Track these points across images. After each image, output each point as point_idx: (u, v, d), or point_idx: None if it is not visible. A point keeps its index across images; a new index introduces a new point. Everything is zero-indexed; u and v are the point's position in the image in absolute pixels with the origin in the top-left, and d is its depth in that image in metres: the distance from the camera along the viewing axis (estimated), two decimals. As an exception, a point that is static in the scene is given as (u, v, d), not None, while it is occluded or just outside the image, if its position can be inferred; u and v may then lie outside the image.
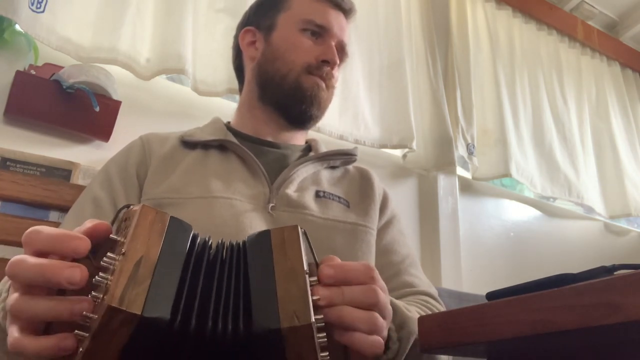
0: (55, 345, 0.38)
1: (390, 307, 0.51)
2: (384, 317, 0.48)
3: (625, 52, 2.65)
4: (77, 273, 0.39)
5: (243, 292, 0.44)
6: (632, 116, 2.51)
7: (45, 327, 0.40)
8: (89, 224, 0.43)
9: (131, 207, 0.45)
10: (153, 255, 0.40)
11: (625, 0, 2.56)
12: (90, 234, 0.42)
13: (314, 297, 0.42)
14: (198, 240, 0.46)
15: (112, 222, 0.46)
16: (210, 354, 0.44)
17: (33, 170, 1.13)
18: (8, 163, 1.11)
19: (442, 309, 0.79)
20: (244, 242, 0.48)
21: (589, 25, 2.52)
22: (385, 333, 0.49)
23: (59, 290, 0.40)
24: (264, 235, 0.46)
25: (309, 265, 0.45)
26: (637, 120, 2.55)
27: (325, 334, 0.42)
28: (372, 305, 0.47)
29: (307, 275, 0.43)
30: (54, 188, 0.98)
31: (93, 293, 0.39)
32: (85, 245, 0.41)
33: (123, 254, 0.39)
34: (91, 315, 0.38)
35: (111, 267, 0.40)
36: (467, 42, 2.05)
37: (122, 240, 0.42)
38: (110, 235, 0.43)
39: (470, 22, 2.10)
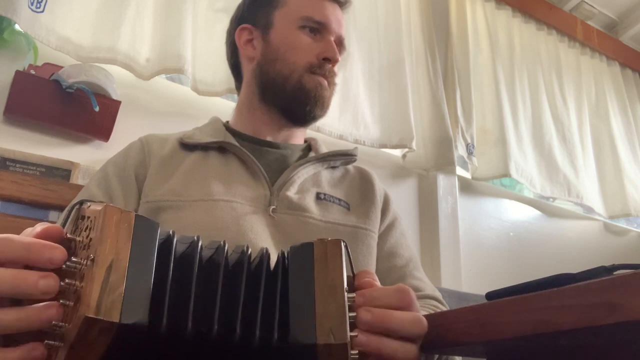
0: (23, 357, 0.37)
1: None
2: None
3: (625, 52, 2.65)
4: (52, 282, 0.37)
5: (270, 299, 0.44)
6: (631, 116, 2.51)
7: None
8: (39, 227, 0.41)
9: (88, 204, 0.43)
10: (123, 258, 0.38)
11: (625, 0, 2.56)
12: (43, 237, 0.40)
13: (351, 314, 0.42)
14: (176, 239, 0.44)
15: (65, 221, 0.44)
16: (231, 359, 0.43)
17: (33, 170, 1.13)
18: (8, 163, 1.11)
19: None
20: (286, 252, 0.47)
21: (588, 25, 2.52)
22: None
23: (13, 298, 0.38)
24: (306, 247, 0.45)
25: (347, 278, 0.44)
26: (637, 120, 2.55)
27: (357, 352, 0.41)
28: (419, 337, 0.46)
29: (346, 292, 0.42)
30: (54, 188, 0.98)
31: (61, 300, 0.38)
32: (61, 255, 0.39)
33: (92, 259, 0.37)
34: (61, 323, 0.37)
35: (76, 270, 0.38)
36: (467, 42, 2.05)
37: (81, 240, 0.40)
38: (68, 235, 0.41)
39: (470, 22, 2.10)
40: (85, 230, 0.41)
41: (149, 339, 0.39)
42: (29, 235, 0.41)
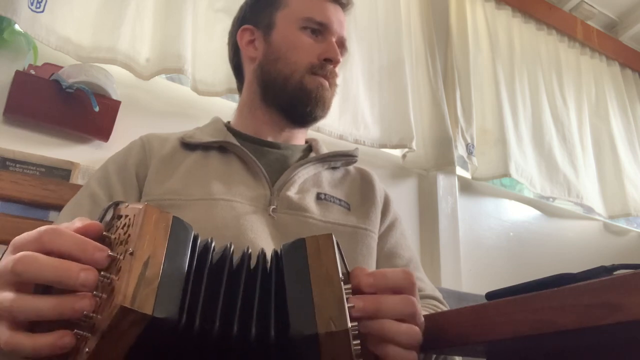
0: (53, 343, 0.38)
1: (422, 318, 0.50)
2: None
3: (625, 52, 2.65)
4: (91, 276, 0.39)
5: (266, 296, 0.45)
6: (631, 116, 2.51)
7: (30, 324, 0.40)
8: (79, 222, 0.43)
9: (125, 204, 0.45)
10: (159, 255, 0.40)
11: (625, 0, 2.56)
12: (83, 233, 0.42)
13: (349, 305, 0.43)
14: (199, 241, 0.46)
15: (101, 219, 0.45)
16: (234, 357, 0.44)
17: (33, 170, 1.13)
18: (8, 163, 1.11)
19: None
20: (279, 250, 0.48)
21: (588, 25, 2.52)
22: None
23: (45, 286, 0.40)
24: (299, 243, 0.46)
25: (343, 274, 0.45)
26: (637, 120, 2.55)
27: (359, 342, 0.42)
28: (410, 316, 0.47)
29: (342, 282, 0.43)
30: (54, 188, 0.98)
31: (94, 292, 0.39)
32: (105, 258, 0.40)
33: (131, 253, 0.39)
34: (92, 314, 0.38)
35: (111, 265, 0.39)
36: (467, 42, 2.05)
37: (117, 237, 0.42)
38: (104, 233, 0.43)
39: (470, 22, 2.10)
40: (122, 228, 0.42)
41: (170, 334, 0.40)
42: (71, 228, 0.42)
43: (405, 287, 0.47)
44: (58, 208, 1.02)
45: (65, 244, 0.40)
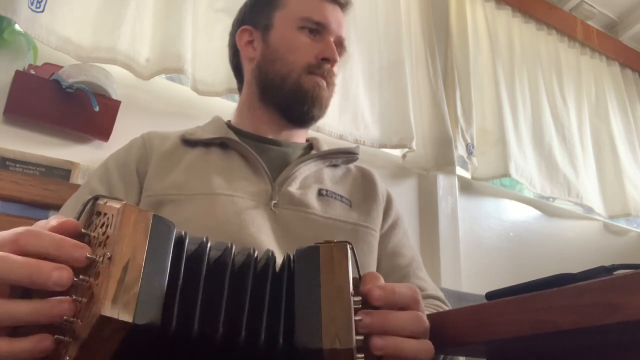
0: (31, 347, 0.37)
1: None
2: None
3: (625, 52, 2.65)
4: (65, 275, 0.37)
5: (276, 302, 0.44)
6: (631, 116, 2.51)
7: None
8: (54, 221, 0.41)
9: (104, 200, 0.43)
10: (139, 258, 0.38)
11: (625, 0, 2.56)
12: (59, 231, 0.40)
13: (356, 318, 0.42)
14: (189, 240, 0.44)
15: (79, 215, 0.44)
16: None
17: (32, 170, 1.13)
18: (8, 163, 1.11)
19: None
20: (291, 255, 0.47)
21: (588, 25, 2.52)
22: None
23: (25, 290, 0.39)
24: (312, 251, 0.45)
25: (353, 280, 0.44)
26: (637, 120, 2.55)
27: (363, 355, 0.41)
28: (422, 334, 0.46)
29: (352, 297, 0.42)
30: (54, 188, 0.98)
31: (74, 296, 0.38)
32: (85, 254, 0.39)
33: (109, 257, 0.37)
34: (72, 319, 0.37)
35: (91, 267, 0.38)
36: (467, 42, 2.05)
37: (96, 236, 0.40)
38: (82, 230, 0.42)
39: (470, 22, 2.10)
40: (101, 227, 0.41)
41: (158, 339, 0.39)
42: (43, 227, 0.41)
43: (411, 305, 0.47)
44: (58, 208, 1.02)
45: (42, 244, 0.39)
